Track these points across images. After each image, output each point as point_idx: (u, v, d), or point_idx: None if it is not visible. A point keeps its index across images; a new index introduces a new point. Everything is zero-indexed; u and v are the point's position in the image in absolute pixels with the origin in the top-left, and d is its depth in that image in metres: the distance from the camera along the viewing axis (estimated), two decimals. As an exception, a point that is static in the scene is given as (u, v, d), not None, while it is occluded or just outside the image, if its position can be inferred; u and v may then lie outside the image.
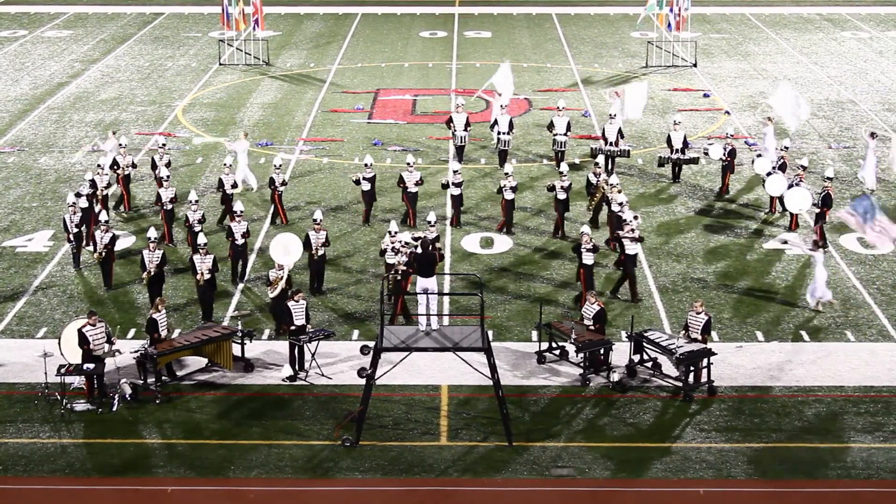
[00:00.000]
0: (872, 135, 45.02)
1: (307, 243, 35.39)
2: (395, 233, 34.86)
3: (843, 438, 28.25)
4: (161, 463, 27.17)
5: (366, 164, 41.57)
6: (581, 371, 30.85)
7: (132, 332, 33.47)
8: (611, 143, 45.92)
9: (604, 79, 62.92)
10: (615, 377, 30.58)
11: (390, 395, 29.94)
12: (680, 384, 30.19)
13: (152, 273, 34.47)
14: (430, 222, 35.70)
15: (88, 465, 27.13)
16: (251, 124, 54.06)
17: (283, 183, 41.67)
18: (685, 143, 45.66)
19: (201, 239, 34.61)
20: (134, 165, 43.48)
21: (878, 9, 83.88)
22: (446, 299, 35.32)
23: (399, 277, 34.00)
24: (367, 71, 65.27)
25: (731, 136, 45.59)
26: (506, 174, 40.79)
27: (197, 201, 37.97)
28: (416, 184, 41.12)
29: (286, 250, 33.36)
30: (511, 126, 46.98)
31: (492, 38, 74.53)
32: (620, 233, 35.35)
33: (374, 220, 41.29)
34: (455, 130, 47.10)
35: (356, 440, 27.71)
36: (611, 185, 39.30)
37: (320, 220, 36.08)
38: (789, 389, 30.63)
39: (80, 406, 29.33)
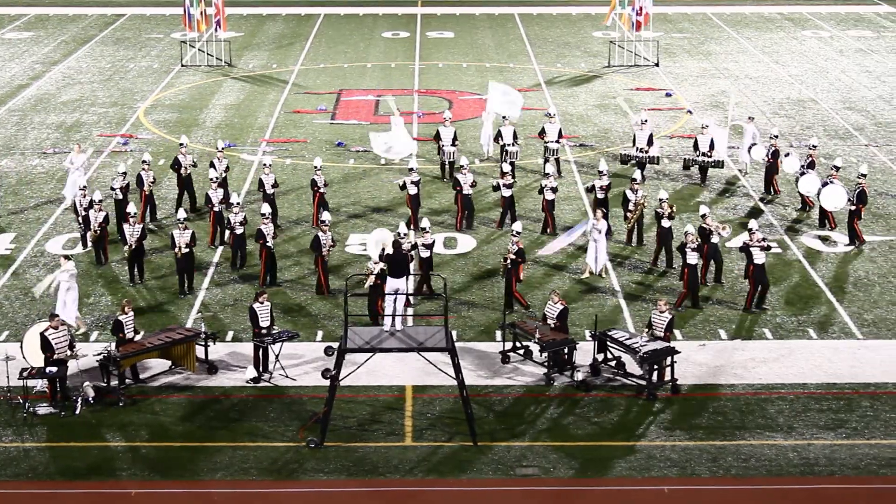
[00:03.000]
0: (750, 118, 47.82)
1: (317, 245, 35.70)
2: (404, 234, 35.26)
3: (806, 436, 28.39)
4: (125, 466, 27.06)
5: (410, 168, 41.58)
6: (545, 370, 30.92)
7: (95, 334, 33.35)
8: (641, 150, 45.77)
9: (567, 79, 63.07)
10: (579, 376, 30.65)
11: (355, 396, 29.91)
12: (644, 383, 30.29)
13: (133, 247, 36.18)
14: (424, 228, 35.76)
15: (52, 468, 27.00)
16: (214, 126, 53.95)
17: (325, 184, 41.54)
18: (712, 146, 45.50)
19: (181, 214, 36.84)
20: (194, 165, 43.50)
21: (838, 8, 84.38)
22: (410, 299, 35.30)
23: (510, 266, 34.44)
24: (330, 71, 65.23)
25: (775, 136, 45.72)
26: (546, 174, 40.88)
27: (239, 203, 38.11)
28: (471, 185, 41.13)
29: (380, 246, 33.53)
30: (515, 136, 46.16)
31: (454, 39, 74.59)
32: (749, 242, 34.91)
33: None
34: (443, 146, 45.84)
35: (321, 441, 27.68)
36: (660, 200, 38.24)
37: (328, 222, 36.31)
38: (752, 387, 30.76)
39: (43, 409, 29.16)
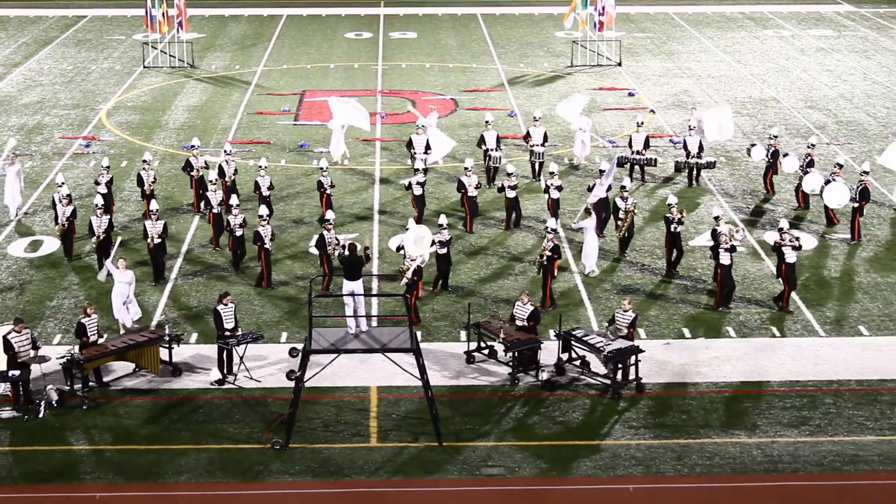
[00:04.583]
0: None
1: (322, 243, 35.79)
2: (441, 226, 36.02)
3: (770, 433, 28.53)
4: (89, 469, 26.95)
5: (416, 169, 41.67)
6: (510, 370, 30.95)
7: (58, 337, 33.19)
8: (637, 152, 45.79)
9: (530, 79, 63.15)
10: (544, 376, 30.70)
11: (319, 398, 29.88)
12: (608, 382, 30.36)
13: (101, 238, 36.88)
14: (441, 225, 35.94)
15: (15, 472, 26.86)
16: (176, 127, 53.75)
17: (332, 185, 41.56)
18: (701, 147, 45.62)
19: (153, 206, 37.14)
20: (206, 166, 43.24)
21: (799, 7, 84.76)
22: (374, 301, 35.28)
23: (545, 263, 34.71)
24: (293, 72, 65.07)
25: (774, 136, 45.82)
26: (551, 174, 41.12)
27: (238, 205, 37.94)
28: (476, 187, 41.14)
29: (417, 242, 33.63)
30: (499, 142, 45.97)
31: (417, 39, 74.55)
32: (781, 242, 35.05)
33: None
34: (415, 153, 45.37)
35: (286, 443, 27.64)
36: (669, 205, 37.94)
37: (332, 220, 36.36)
38: (716, 385, 30.88)
39: (6, 413, 29.02)
